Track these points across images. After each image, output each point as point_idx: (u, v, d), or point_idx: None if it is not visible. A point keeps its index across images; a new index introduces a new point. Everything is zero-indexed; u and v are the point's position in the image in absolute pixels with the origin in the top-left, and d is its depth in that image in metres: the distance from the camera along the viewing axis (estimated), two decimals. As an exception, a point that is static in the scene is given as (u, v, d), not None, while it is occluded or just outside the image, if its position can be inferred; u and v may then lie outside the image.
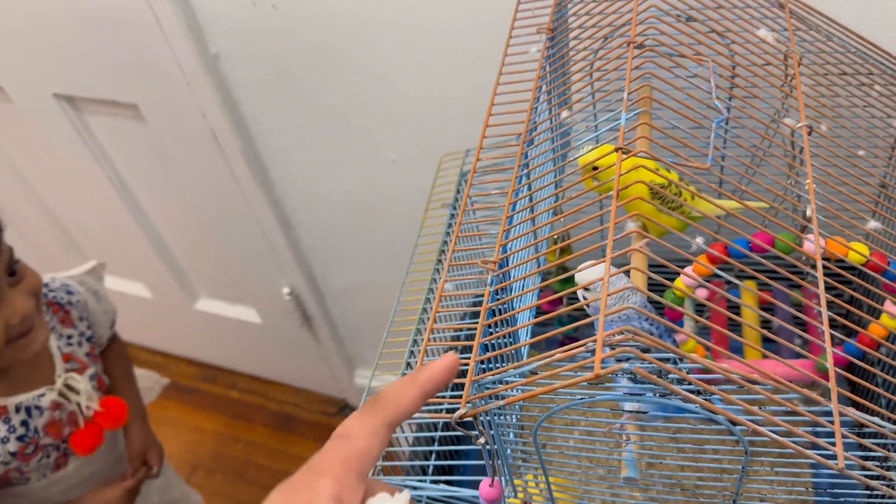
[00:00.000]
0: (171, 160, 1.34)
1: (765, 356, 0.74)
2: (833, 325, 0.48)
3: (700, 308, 0.84)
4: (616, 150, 0.51)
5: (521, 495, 0.64)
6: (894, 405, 0.65)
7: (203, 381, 1.97)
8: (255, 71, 1.11)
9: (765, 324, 0.83)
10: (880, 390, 0.48)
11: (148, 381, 1.71)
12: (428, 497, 0.66)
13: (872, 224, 0.56)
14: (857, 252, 0.54)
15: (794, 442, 0.43)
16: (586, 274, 0.53)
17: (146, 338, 2.02)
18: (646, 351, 0.44)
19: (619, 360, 0.44)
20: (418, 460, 0.70)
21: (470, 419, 0.47)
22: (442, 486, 0.64)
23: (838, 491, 0.56)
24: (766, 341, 0.83)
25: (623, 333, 0.41)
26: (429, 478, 0.67)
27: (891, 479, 0.45)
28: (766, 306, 0.83)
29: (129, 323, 1.95)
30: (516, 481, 0.62)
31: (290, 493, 0.38)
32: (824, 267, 0.50)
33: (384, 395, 0.42)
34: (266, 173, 1.27)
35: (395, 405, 0.42)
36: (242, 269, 1.53)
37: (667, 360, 0.50)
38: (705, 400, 0.47)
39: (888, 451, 0.52)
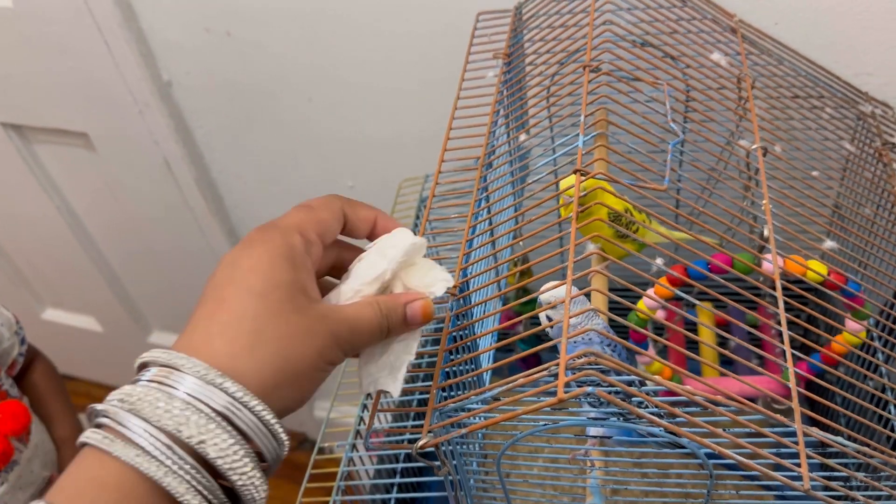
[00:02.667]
0: (122, 189, 1.31)
1: (722, 374, 0.74)
2: (793, 344, 0.48)
3: (658, 328, 0.84)
4: (574, 171, 0.50)
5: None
6: (854, 423, 0.65)
7: (157, 417, 1.91)
8: (208, 98, 1.09)
9: (723, 344, 0.83)
10: (840, 408, 0.48)
11: None
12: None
13: (828, 244, 0.57)
14: (815, 271, 0.54)
15: (758, 463, 0.42)
16: (549, 295, 0.53)
17: (99, 373, 1.96)
18: (608, 374, 0.43)
19: (581, 384, 0.43)
20: (379, 494, 0.68)
21: (432, 449, 0.46)
22: (404, 519, 0.63)
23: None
24: (724, 361, 0.84)
25: (585, 356, 0.41)
26: (391, 511, 0.65)
27: (855, 499, 0.45)
28: (724, 326, 0.83)
29: (81, 358, 1.89)
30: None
31: (263, 235, 0.38)
32: (783, 286, 0.50)
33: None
34: (221, 202, 1.24)
35: (370, 210, 0.44)
36: (196, 299, 1.49)
37: (630, 382, 0.49)
38: (669, 423, 0.46)
39: (851, 470, 0.52)
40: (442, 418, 0.48)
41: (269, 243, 0.38)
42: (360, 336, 0.40)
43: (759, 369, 0.47)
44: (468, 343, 0.51)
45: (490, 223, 0.57)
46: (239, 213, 1.25)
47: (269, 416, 0.35)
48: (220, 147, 1.16)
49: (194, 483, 0.32)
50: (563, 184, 0.55)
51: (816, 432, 0.45)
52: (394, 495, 0.67)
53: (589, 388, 0.39)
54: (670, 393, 0.44)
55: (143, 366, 0.36)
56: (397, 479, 0.68)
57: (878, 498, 0.52)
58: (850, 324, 0.59)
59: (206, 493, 0.33)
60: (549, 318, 0.54)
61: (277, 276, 0.37)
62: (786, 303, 0.50)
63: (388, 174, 1.02)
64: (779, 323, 0.62)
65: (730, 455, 0.41)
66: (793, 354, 0.46)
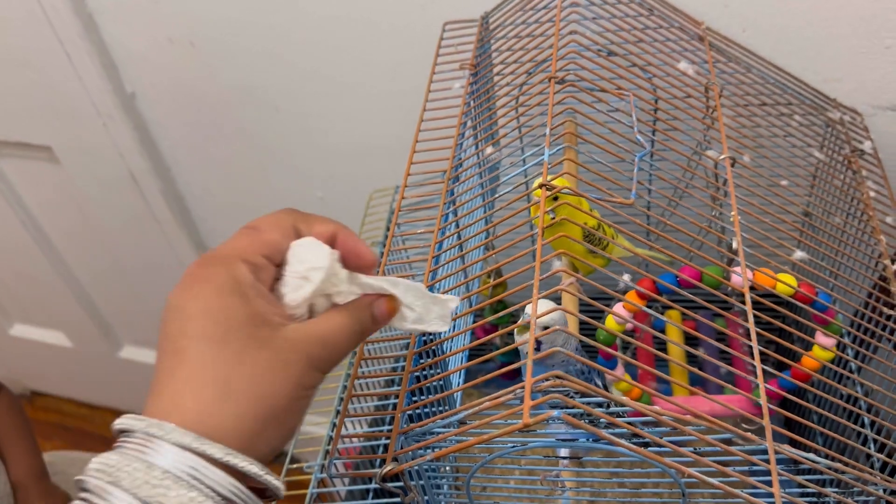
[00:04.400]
0: (88, 203, 1.28)
1: (692, 393, 0.73)
2: (764, 358, 0.47)
3: (625, 344, 0.84)
4: (539, 186, 0.49)
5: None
6: (830, 439, 0.65)
7: (130, 432, 1.88)
8: (173, 110, 1.07)
9: (693, 358, 0.83)
10: (815, 425, 0.48)
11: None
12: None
13: (798, 255, 0.56)
14: (785, 283, 0.54)
15: (729, 482, 0.41)
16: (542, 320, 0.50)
17: (68, 389, 1.92)
18: (575, 396, 0.43)
19: (550, 407, 0.42)
20: (350, 514, 0.66)
21: (398, 474, 0.44)
22: (375, 541, 0.61)
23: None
24: (694, 377, 0.83)
25: (551, 379, 0.39)
26: (361, 534, 0.64)
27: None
28: (691, 338, 0.83)
29: (50, 374, 1.86)
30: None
31: (205, 271, 0.35)
32: (752, 300, 0.49)
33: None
34: (188, 214, 1.22)
35: (327, 225, 0.40)
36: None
37: (598, 404, 0.48)
38: (639, 443, 0.45)
39: (824, 486, 0.52)
40: (408, 443, 0.47)
41: (213, 280, 0.35)
42: (335, 350, 0.38)
43: (729, 386, 0.46)
44: (438, 362, 0.50)
45: (459, 237, 0.56)
46: (207, 226, 1.23)
47: (256, 469, 0.33)
48: (187, 159, 1.14)
49: None
50: (537, 193, 0.54)
51: (788, 449, 0.44)
52: (365, 517, 0.66)
53: (555, 413, 0.38)
54: (639, 413, 0.43)
55: (121, 431, 0.34)
56: (370, 501, 0.67)
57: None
58: (821, 338, 0.58)
59: None
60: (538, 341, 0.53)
61: (231, 316, 0.34)
62: (756, 317, 0.49)
63: (358, 185, 1.01)
64: (746, 334, 0.61)
65: (697, 476, 0.41)
66: (764, 371, 0.46)
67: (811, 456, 0.45)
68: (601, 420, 0.45)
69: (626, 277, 0.49)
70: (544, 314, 0.44)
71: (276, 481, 0.34)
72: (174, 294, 0.35)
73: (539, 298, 0.42)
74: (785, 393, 0.51)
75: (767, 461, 0.43)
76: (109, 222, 1.30)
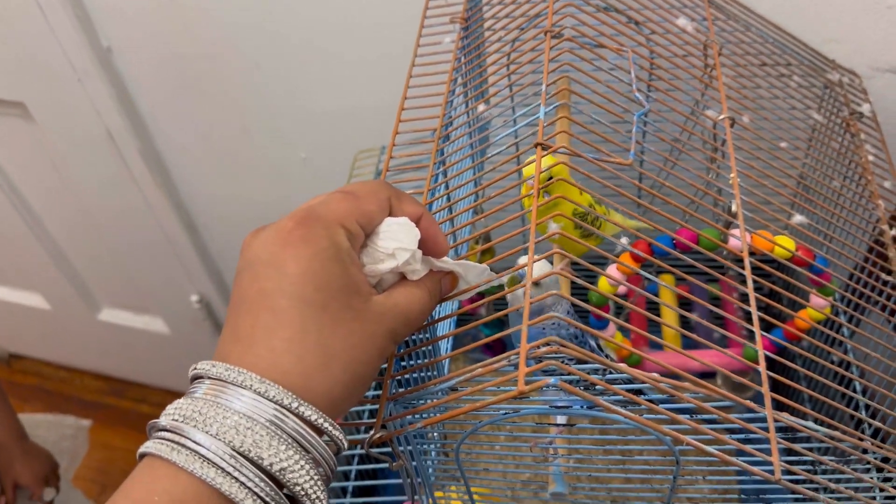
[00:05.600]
0: (64, 162, 1.25)
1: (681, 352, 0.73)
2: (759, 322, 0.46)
3: (618, 306, 0.83)
4: (535, 145, 0.47)
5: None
6: (818, 402, 0.64)
7: (110, 396, 1.86)
8: (151, 65, 1.04)
9: (685, 320, 0.82)
10: (804, 389, 0.47)
11: (67, 430, 1.60)
12: (347, 520, 0.62)
13: (798, 218, 0.55)
14: (783, 247, 0.53)
15: (724, 450, 0.40)
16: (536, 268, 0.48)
17: (47, 352, 1.90)
18: (571, 362, 0.41)
19: (545, 373, 0.40)
20: (336, 481, 0.65)
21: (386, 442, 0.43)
22: (360, 507, 0.60)
23: (768, 497, 0.54)
24: (685, 337, 0.82)
25: (548, 345, 0.38)
26: (348, 500, 0.63)
27: (819, 483, 0.43)
28: (685, 302, 0.82)
29: (29, 336, 1.83)
30: (437, 493, 0.58)
31: (307, 232, 0.35)
32: (750, 264, 0.48)
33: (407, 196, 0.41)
34: (167, 174, 1.19)
35: (416, 207, 0.41)
36: (147, 276, 1.44)
37: (594, 370, 0.47)
38: (635, 410, 0.44)
39: (818, 454, 0.51)
40: (397, 411, 0.45)
41: (315, 244, 0.35)
42: (413, 326, 0.39)
43: (720, 349, 0.45)
44: (426, 328, 0.48)
45: (448, 199, 0.54)
46: (187, 187, 1.20)
47: (341, 436, 0.35)
48: (165, 117, 1.11)
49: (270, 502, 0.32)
50: (527, 171, 0.50)
51: (787, 418, 0.43)
52: (351, 483, 0.64)
53: (551, 380, 0.36)
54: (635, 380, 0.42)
55: (199, 376, 0.35)
56: (355, 466, 0.66)
57: (845, 481, 0.51)
58: (815, 300, 0.57)
59: None
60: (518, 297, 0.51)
61: (332, 283, 0.35)
62: (754, 281, 0.48)
63: (343, 145, 0.98)
64: (742, 298, 0.60)
65: (692, 443, 0.40)
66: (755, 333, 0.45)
67: (810, 424, 0.44)
68: (597, 387, 0.44)
69: (624, 241, 0.48)
70: (539, 278, 0.42)
71: (346, 443, 0.36)
72: (266, 248, 0.36)
73: (535, 262, 0.40)
74: (773, 355, 0.50)
75: (765, 429, 0.42)
76: (86, 182, 1.26)
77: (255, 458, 0.32)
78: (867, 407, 0.62)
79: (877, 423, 0.53)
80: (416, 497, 0.50)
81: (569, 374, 0.38)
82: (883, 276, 0.57)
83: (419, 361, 0.50)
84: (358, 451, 0.67)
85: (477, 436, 0.48)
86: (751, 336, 0.45)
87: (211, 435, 0.32)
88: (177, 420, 0.33)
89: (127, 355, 1.74)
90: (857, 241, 0.62)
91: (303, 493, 0.33)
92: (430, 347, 0.49)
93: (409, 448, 0.51)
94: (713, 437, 0.40)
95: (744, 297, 0.47)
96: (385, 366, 0.45)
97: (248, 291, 0.35)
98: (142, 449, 0.33)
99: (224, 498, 0.31)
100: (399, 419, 0.44)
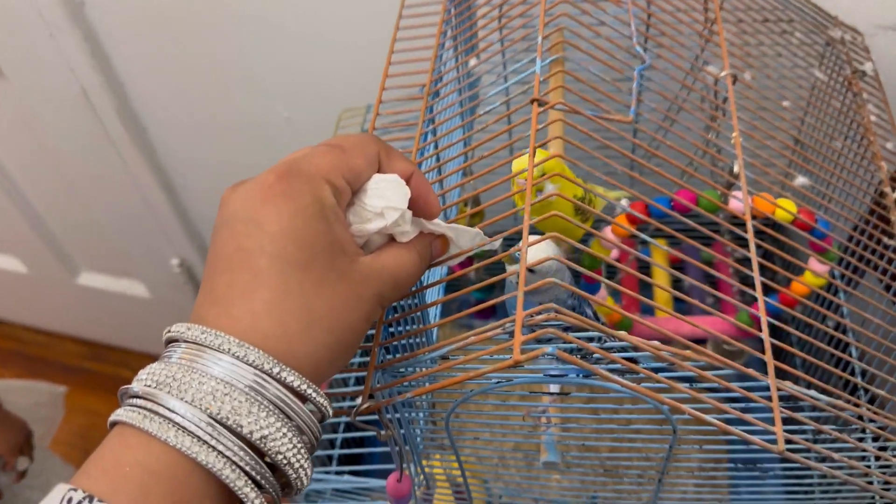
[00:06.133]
0: (37, 121, 1.20)
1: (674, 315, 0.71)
2: (752, 286, 0.44)
3: (610, 270, 0.81)
4: (531, 101, 0.45)
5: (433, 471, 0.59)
6: (815, 370, 0.63)
7: (92, 361, 1.84)
8: (126, 19, 0.99)
9: (678, 284, 0.80)
10: (797, 351, 0.45)
11: (42, 396, 1.58)
12: (334, 490, 0.60)
13: (800, 180, 0.53)
14: (785, 209, 0.51)
15: (724, 419, 0.39)
16: (533, 251, 0.46)
17: (26, 316, 1.87)
18: (568, 330, 0.39)
19: (540, 342, 0.39)
20: (321, 449, 0.63)
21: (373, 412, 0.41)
22: (347, 477, 0.59)
23: (764, 465, 0.53)
24: (677, 301, 0.81)
25: (545, 312, 0.36)
26: (333, 468, 0.61)
27: (819, 453, 0.42)
28: (677, 265, 0.80)
29: (7, 300, 1.80)
30: (424, 461, 0.57)
31: (288, 187, 0.33)
32: (742, 226, 0.46)
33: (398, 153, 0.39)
34: (145, 134, 1.15)
35: (407, 165, 0.38)
36: (126, 239, 1.41)
37: (590, 338, 0.45)
38: (633, 378, 0.43)
39: (819, 423, 0.50)
40: (385, 379, 0.44)
41: (297, 199, 0.33)
42: (402, 290, 0.37)
43: (717, 313, 0.43)
44: (414, 295, 0.46)
45: (438, 159, 0.51)
46: (165, 147, 1.16)
47: (325, 403, 0.33)
48: (142, 74, 1.07)
49: (253, 474, 0.31)
50: (517, 165, 0.46)
51: (790, 386, 0.42)
52: (337, 451, 0.63)
53: (548, 349, 0.34)
54: (634, 348, 0.40)
55: (173, 340, 0.33)
56: (341, 434, 0.64)
57: (845, 450, 0.50)
58: (815, 265, 0.56)
59: (262, 482, 0.31)
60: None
61: (315, 241, 0.33)
62: (741, 243, 0.46)
63: (327, 104, 0.95)
64: (742, 262, 0.58)
65: (693, 413, 0.38)
66: (753, 297, 0.43)
67: (812, 393, 0.42)
68: (594, 355, 0.42)
69: (624, 202, 0.46)
70: (535, 242, 0.40)
71: (331, 410, 0.34)
72: (245, 203, 0.33)
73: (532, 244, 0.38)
74: (776, 321, 0.48)
75: (767, 398, 0.40)
76: (62, 143, 1.22)
77: (234, 426, 0.30)
78: (864, 373, 0.60)
79: (875, 390, 0.52)
80: (404, 466, 0.49)
81: (567, 342, 0.36)
82: (885, 239, 0.56)
83: (408, 328, 0.48)
84: (344, 418, 0.66)
85: (467, 404, 0.46)
86: (748, 302, 0.44)
87: (186, 401, 0.30)
88: (149, 386, 0.31)
89: (107, 320, 1.72)
90: (857, 203, 0.60)
91: (285, 461, 0.31)
92: (419, 314, 0.47)
93: (398, 416, 0.49)
94: (713, 406, 0.39)
95: (742, 262, 0.45)
96: (372, 332, 0.43)
97: (225, 250, 0.33)
98: (112, 417, 0.32)
99: (201, 468, 0.30)
100: (387, 388, 0.42)
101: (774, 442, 0.39)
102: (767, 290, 0.45)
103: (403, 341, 0.48)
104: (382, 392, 0.42)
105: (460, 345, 0.39)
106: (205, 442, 0.30)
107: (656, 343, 0.39)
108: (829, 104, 0.66)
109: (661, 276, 0.75)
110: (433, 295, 0.53)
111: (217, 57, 0.99)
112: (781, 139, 0.54)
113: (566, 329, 0.38)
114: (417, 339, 0.50)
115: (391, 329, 0.46)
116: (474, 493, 0.61)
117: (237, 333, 0.32)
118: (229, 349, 0.31)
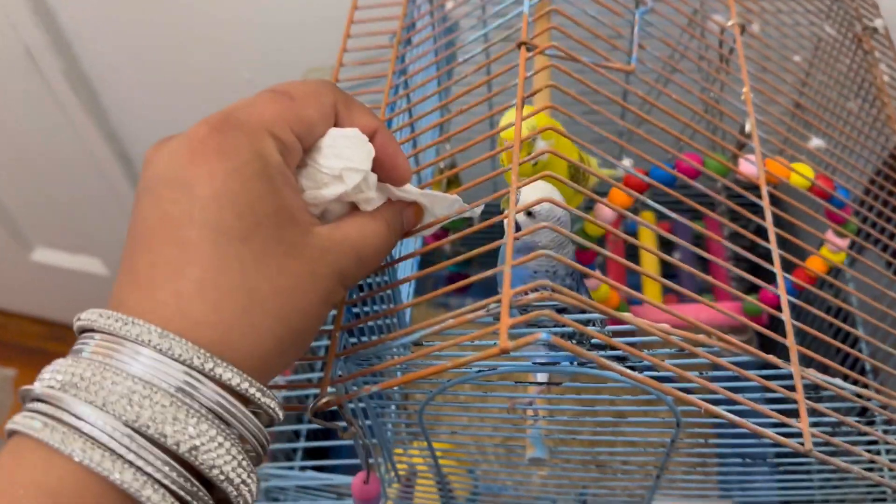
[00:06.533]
0: (-21, 85, 1.12)
1: (679, 300, 0.65)
2: (754, 265, 0.39)
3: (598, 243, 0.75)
4: (518, 45, 0.38)
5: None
6: (812, 345, 0.58)
7: (51, 341, 1.76)
8: (70, -30, 0.91)
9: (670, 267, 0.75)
10: (822, 336, 0.40)
11: None
12: (298, 486, 0.54)
13: (815, 142, 0.47)
14: (802, 174, 0.45)
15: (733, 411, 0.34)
16: (530, 192, 0.40)
17: (-22, 294, 1.78)
18: (563, 312, 0.33)
19: (529, 325, 0.33)
20: (284, 442, 0.57)
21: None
22: (311, 473, 0.53)
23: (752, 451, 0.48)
24: (669, 277, 0.76)
25: (537, 290, 0.30)
26: (296, 463, 0.55)
27: (839, 447, 0.37)
28: (668, 242, 0.75)
29: (-47, 279, 1.71)
30: (396, 450, 0.51)
31: (222, 142, 0.27)
32: (738, 195, 0.40)
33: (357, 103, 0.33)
34: (96, 98, 1.07)
35: (370, 119, 0.33)
36: (81, 213, 1.33)
37: (586, 321, 0.39)
38: (632, 366, 0.37)
39: (840, 414, 0.45)
40: (350, 368, 0.38)
41: (233, 156, 0.27)
42: (367, 266, 0.32)
43: (735, 291, 0.38)
44: (383, 271, 0.40)
45: (410, 114, 0.45)
46: (119, 112, 1.08)
47: (273, 405, 0.28)
48: (91, 33, 0.98)
49: (182, 493, 0.25)
50: (505, 120, 0.40)
51: (814, 374, 0.36)
52: (301, 444, 0.57)
53: (542, 335, 0.29)
54: (639, 333, 0.35)
55: (86, 329, 0.27)
56: (305, 425, 0.58)
57: (873, 443, 0.45)
58: (833, 239, 0.50)
59: (194, 503, 0.25)
60: (518, 228, 0.42)
61: (257, 207, 0.27)
62: (735, 213, 0.40)
63: (291, 64, 0.87)
64: (729, 237, 0.53)
65: (709, 408, 0.33)
66: (753, 283, 0.37)
67: (838, 381, 0.37)
68: (593, 340, 0.36)
69: (627, 163, 0.40)
70: (528, 182, 0.34)
71: (281, 413, 0.29)
72: (172, 163, 0.28)
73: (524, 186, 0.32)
74: (797, 300, 0.43)
75: (788, 388, 0.35)
76: (6, 108, 1.14)
77: (156, 436, 0.25)
78: (868, 344, 0.56)
79: (877, 364, 0.46)
80: (371, 461, 0.43)
81: (563, 325, 0.30)
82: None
83: (376, 309, 0.42)
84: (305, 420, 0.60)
85: (444, 395, 0.40)
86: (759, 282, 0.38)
87: (97, 406, 0.24)
88: (52, 387, 0.25)
89: (66, 298, 1.63)
90: (868, 167, 0.55)
91: (222, 477, 0.26)
92: (389, 293, 0.41)
93: (362, 406, 0.43)
94: (729, 397, 0.33)
95: (750, 234, 0.39)
96: (334, 313, 0.37)
97: (147, 221, 0.27)
98: (9, 425, 0.25)
99: (115, 489, 0.24)
100: (352, 380, 0.36)
101: (800, 439, 0.33)
102: (770, 274, 0.39)
103: (371, 324, 0.42)
104: (346, 383, 0.36)
105: (437, 329, 0.33)
106: (119, 456, 0.24)
107: (665, 326, 0.33)
108: (841, 61, 0.61)
109: (649, 261, 0.70)
110: (405, 270, 0.47)
111: (171, 14, 0.91)
112: (794, 97, 0.48)
113: (561, 311, 0.33)
114: (387, 321, 0.44)
115: (356, 310, 0.40)
116: (457, 483, 0.56)
117: (160, 321, 0.26)
118: (150, 340, 0.25)
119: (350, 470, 0.54)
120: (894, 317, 0.44)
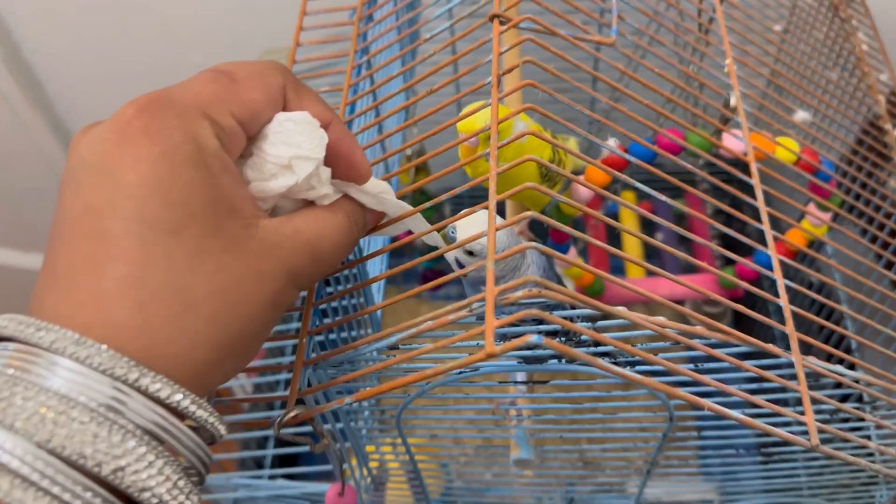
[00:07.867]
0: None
1: (651, 274, 0.63)
2: (731, 239, 0.36)
3: (577, 226, 0.73)
4: (490, 18, 0.35)
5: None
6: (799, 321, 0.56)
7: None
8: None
9: (648, 239, 0.73)
10: (818, 319, 0.38)
11: None
12: (269, 496, 0.51)
13: (800, 115, 0.45)
14: (788, 148, 0.43)
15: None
16: (468, 226, 0.37)
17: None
18: (550, 309, 0.31)
19: (512, 325, 0.30)
20: (254, 449, 0.54)
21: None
22: (282, 481, 0.50)
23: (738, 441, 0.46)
24: (650, 257, 0.74)
25: (525, 287, 0.27)
26: (266, 472, 0.52)
27: (858, 444, 0.35)
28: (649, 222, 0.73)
29: None
30: (368, 447, 0.48)
31: (151, 124, 0.24)
32: (721, 170, 0.38)
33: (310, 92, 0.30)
34: (41, 88, 1.01)
35: (323, 109, 0.29)
36: (31, 209, 1.27)
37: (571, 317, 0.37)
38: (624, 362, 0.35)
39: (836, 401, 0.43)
40: (318, 375, 0.35)
41: (164, 139, 0.24)
42: (324, 264, 0.28)
43: (722, 268, 0.35)
44: (353, 266, 0.37)
45: (374, 97, 0.42)
46: (66, 102, 1.03)
47: (209, 417, 0.24)
48: (31, 18, 0.93)
49: None
50: (467, 112, 0.36)
51: (814, 362, 0.34)
52: (270, 451, 0.54)
53: (533, 338, 0.26)
54: (631, 326, 0.32)
55: (2, 338, 0.24)
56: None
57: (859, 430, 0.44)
58: (815, 211, 0.49)
59: None
60: (460, 264, 0.40)
61: (190, 196, 0.24)
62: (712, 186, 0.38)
63: (245, 46, 0.84)
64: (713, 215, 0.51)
65: (714, 406, 0.30)
66: (727, 255, 0.35)
67: (839, 368, 0.35)
68: (583, 337, 0.34)
69: (612, 142, 0.37)
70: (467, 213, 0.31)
71: (223, 429, 0.26)
72: (96, 148, 0.25)
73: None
74: (794, 277, 0.41)
75: (788, 377, 0.33)
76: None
77: (73, 458, 0.22)
78: (853, 320, 0.54)
79: (862, 340, 0.44)
80: (344, 466, 0.40)
81: (551, 323, 0.27)
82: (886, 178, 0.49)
83: (345, 305, 0.39)
84: (277, 412, 0.57)
85: (424, 399, 0.37)
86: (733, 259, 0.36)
87: (5, 427, 0.21)
88: None
89: (21, 300, 1.57)
90: (850, 136, 0.54)
91: (155, 500, 0.23)
92: (356, 295, 0.38)
93: (333, 413, 0.40)
94: (719, 388, 0.31)
95: (739, 213, 0.37)
96: (302, 311, 0.34)
97: (69, 212, 0.25)
98: None
99: None
100: (321, 390, 0.33)
101: (804, 433, 0.31)
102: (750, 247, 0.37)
103: (342, 329, 0.39)
104: (313, 398, 0.33)
105: (415, 332, 0.30)
106: (32, 483, 0.21)
107: (661, 319, 0.31)
108: (814, 30, 0.59)
109: (630, 241, 0.68)
110: (374, 265, 0.44)
111: (116, -5, 0.87)
112: (777, 68, 0.46)
113: (548, 308, 0.30)
114: (361, 331, 0.41)
115: (323, 306, 0.36)
116: (431, 479, 0.53)
117: (79, 326, 0.23)
118: (65, 348, 0.22)
119: (323, 476, 0.51)
120: (880, 291, 0.42)
